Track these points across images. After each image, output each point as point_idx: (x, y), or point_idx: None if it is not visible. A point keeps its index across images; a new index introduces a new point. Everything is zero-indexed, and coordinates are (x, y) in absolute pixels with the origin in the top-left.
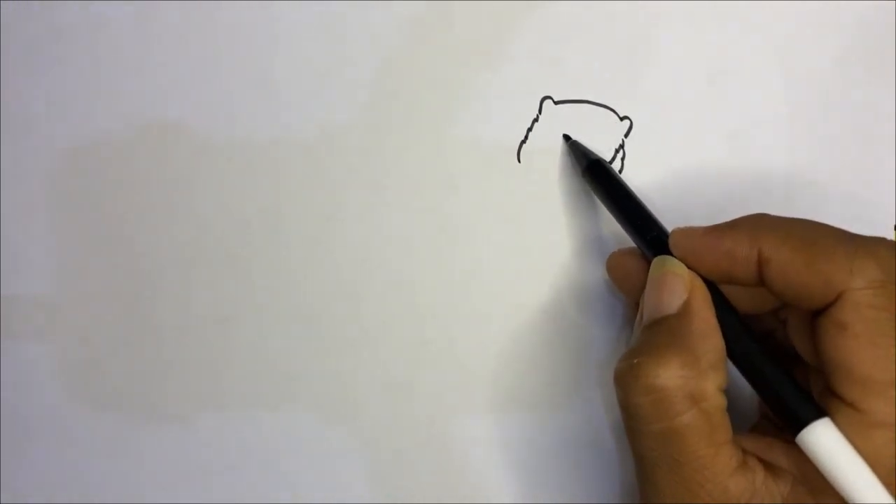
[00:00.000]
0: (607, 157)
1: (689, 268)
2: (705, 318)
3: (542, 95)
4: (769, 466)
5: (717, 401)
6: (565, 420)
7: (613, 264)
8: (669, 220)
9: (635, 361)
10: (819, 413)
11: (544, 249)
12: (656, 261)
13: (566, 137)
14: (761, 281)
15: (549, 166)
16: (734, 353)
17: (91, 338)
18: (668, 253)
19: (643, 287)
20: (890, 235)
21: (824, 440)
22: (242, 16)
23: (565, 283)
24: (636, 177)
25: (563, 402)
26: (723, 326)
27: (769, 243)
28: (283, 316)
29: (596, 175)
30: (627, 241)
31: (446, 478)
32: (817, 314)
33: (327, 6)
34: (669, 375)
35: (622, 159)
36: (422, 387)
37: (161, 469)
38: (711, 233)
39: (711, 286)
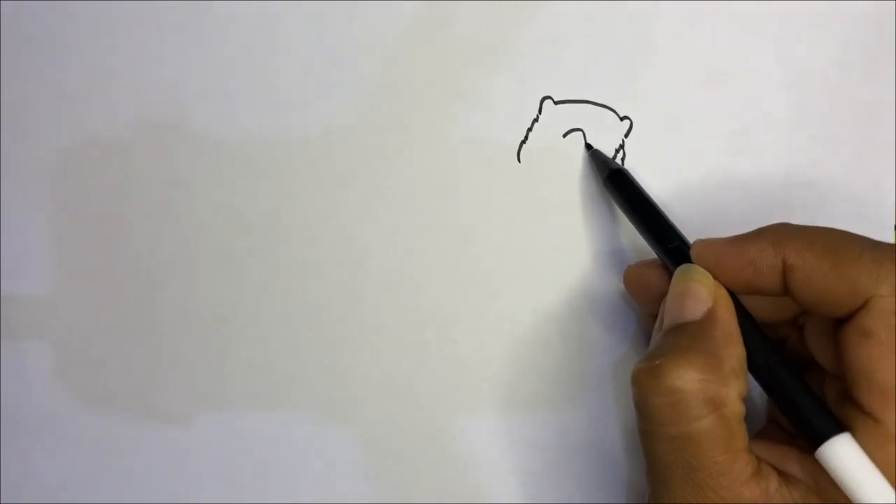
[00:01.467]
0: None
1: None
2: (729, 325)
3: (542, 95)
4: (782, 474)
5: (736, 407)
6: (567, 421)
7: (631, 276)
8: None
9: (657, 363)
10: (839, 428)
11: (544, 249)
12: (681, 269)
13: (588, 146)
14: (784, 290)
15: (549, 166)
16: (754, 363)
17: (91, 337)
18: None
19: (661, 298)
20: (890, 235)
21: (844, 456)
22: (243, 15)
23: (566, 282)
24: (636, 177)
25: (564, 403)
26: (743, 337)
27: (794, 251)
28: (283, 316)
29: (617, 184)
30: (636, 243)
31: (446, 478)
32: (840, 322)
33: (327, 6)
34: (690, 378)
35: (622, 159)
36: (422, 387)
37: (160, 469)
38: (734, 242)
39: (732, 297)
